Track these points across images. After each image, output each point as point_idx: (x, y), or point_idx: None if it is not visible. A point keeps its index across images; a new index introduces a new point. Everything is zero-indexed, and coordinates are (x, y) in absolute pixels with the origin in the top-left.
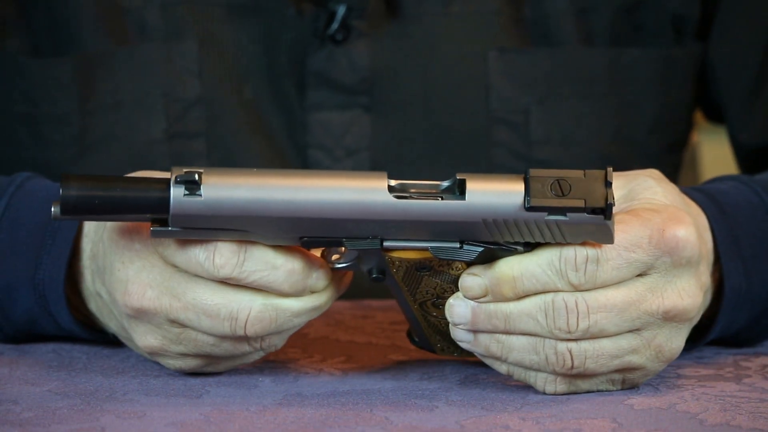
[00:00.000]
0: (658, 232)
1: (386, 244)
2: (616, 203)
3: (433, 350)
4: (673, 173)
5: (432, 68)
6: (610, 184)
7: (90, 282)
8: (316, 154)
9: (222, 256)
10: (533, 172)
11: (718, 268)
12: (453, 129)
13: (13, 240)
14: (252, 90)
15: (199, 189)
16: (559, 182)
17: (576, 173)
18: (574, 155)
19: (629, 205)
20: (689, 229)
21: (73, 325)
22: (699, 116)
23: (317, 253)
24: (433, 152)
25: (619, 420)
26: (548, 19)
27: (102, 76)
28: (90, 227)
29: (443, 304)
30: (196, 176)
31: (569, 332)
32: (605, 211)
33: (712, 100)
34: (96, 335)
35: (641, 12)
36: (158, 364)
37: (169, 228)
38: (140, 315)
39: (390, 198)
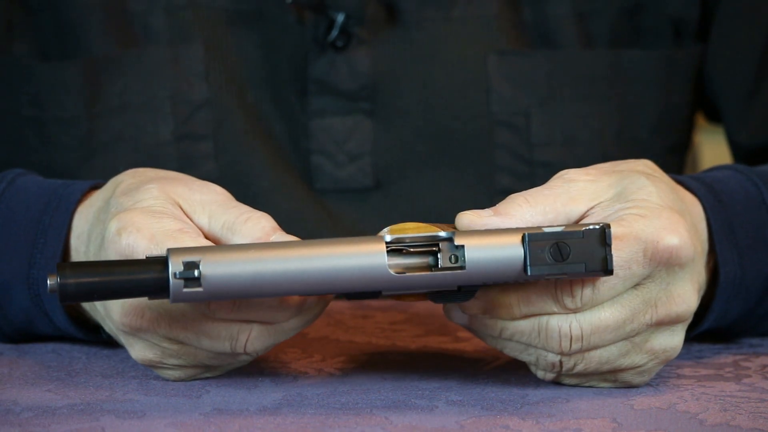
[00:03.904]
0: (652, 245)
1: (384, 293)
2: (607, 202)
3: None
4: (675, 174)
5: (432, 73)
6: (610, 245)
7: None
8: (318, 160)
9: (218, 302)
10: (531, 235)
11: (713, 256)
12: (455, 132)
13: (7, 238)
14: (254, 95)
15: (199, 282)
16: (558, 246)
17: (575, 233)
18: (576, 157)
19: (621, 206)
20: (683, 235)
21: (68, 325)
22: (699, 118)
23: None
24: (436, 156)
25: (619, 420)
26: (548, 22)
27: (109, 79)
28: (82, 229)
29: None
30: (196, 273)
31: (562, 352)
32: (605, 272)
33: (711, 101)
34: (92, 336)
35: (641, 14)
36: None
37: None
38: (137, 333)
39: (390, 273)
